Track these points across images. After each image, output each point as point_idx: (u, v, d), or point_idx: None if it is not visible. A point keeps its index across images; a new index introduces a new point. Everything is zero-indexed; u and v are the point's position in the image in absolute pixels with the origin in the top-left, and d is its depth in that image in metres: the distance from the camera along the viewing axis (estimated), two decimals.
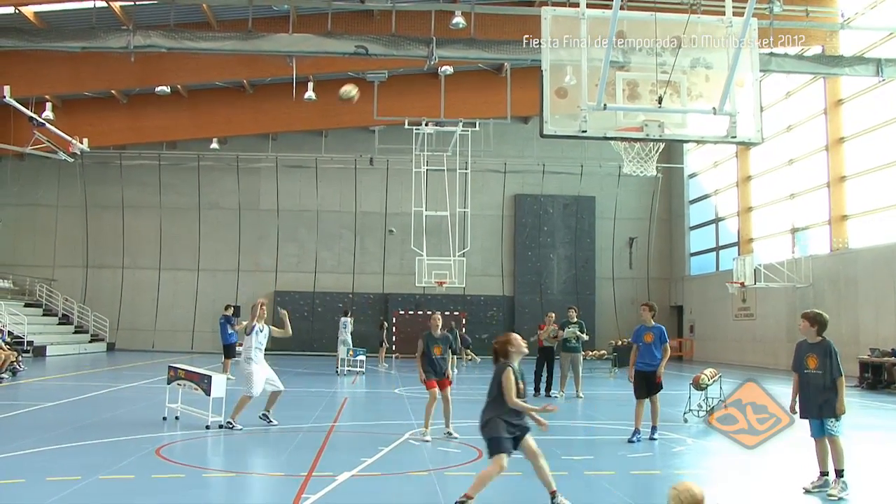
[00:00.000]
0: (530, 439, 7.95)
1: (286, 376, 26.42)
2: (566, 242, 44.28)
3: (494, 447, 7.76)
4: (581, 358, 20.49)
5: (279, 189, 43.78)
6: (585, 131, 7.94)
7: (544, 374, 20.62)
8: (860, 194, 30.33)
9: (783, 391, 23.01)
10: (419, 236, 35.08)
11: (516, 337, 8.02)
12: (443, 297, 41.17)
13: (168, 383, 14.34)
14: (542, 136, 7.99)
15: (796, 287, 31.96)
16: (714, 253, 42.16)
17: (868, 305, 28.54)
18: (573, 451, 11.71)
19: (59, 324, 40.83)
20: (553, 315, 21.35)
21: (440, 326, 12.95)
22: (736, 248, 38.65)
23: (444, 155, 36.21)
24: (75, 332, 40.87)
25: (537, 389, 20.32)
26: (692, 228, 44.64)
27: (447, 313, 40.88)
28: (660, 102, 7.96)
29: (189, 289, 43.33)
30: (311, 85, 34.15)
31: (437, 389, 12.60)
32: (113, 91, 36.24)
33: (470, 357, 35.63)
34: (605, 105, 7.86)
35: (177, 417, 13.90)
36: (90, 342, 40.40)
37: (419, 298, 42.04)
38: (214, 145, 42.39)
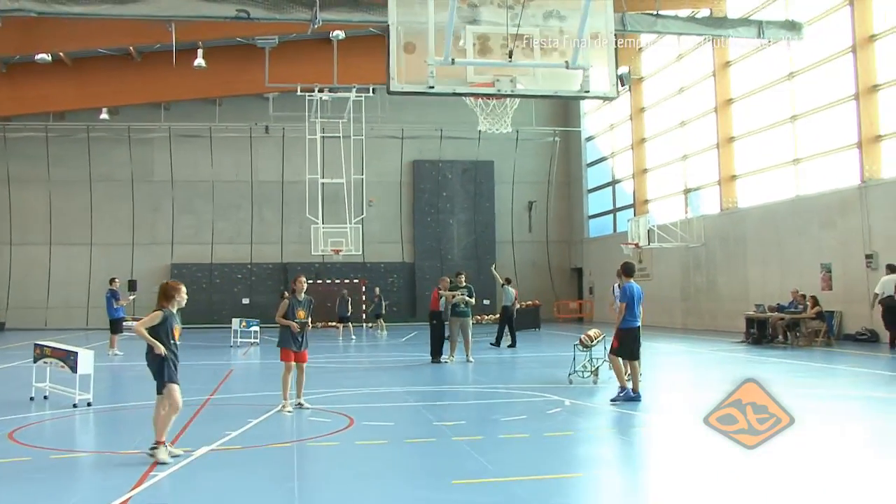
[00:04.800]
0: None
1: (182, 349, 25.96)
2: (465, 207, 44.29)
3: (168, 374, 8.78)
4: (470, 322, 20.28)
5: (173, 160, 42.71)
6: (433, 87, 7.69)
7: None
8: (747, 155, 30.88)
9: (675, 348, 23.37)
10: (315, 204, 34.56)
11: (184, 288, 9.08)
12: (342, 264, 40.86)
13: (34, 362, 13.79)
14: (388, 93, 7.75)
15: (689, 247, 32.46)
16: (612, 215, 42.56)
17: (756, 263, 29.15)
18: (448, 416, 11.58)
19: None
20: (448, 279, 21.05)
21: (305, 290, 12.50)
22: (632, 209, 39.07)
23: (340, 122, 35.72)
24: None
25: (435, 354, 20.05)
26: (590, 191, 45.03)
27: (346, 281, 40.68)
28: (510, 56, 7.75)
29: (82, 264, 41.96)
30: (200, 52, 33.24)
31: (292, 362, 12.17)
32: None
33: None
34: (452, 60, 7.63)
35: (45, 397, 13.35)
36: None
37: (318, 267, 41.55)
38: (104, 115, 40.98)
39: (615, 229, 41.50)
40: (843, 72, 25.64)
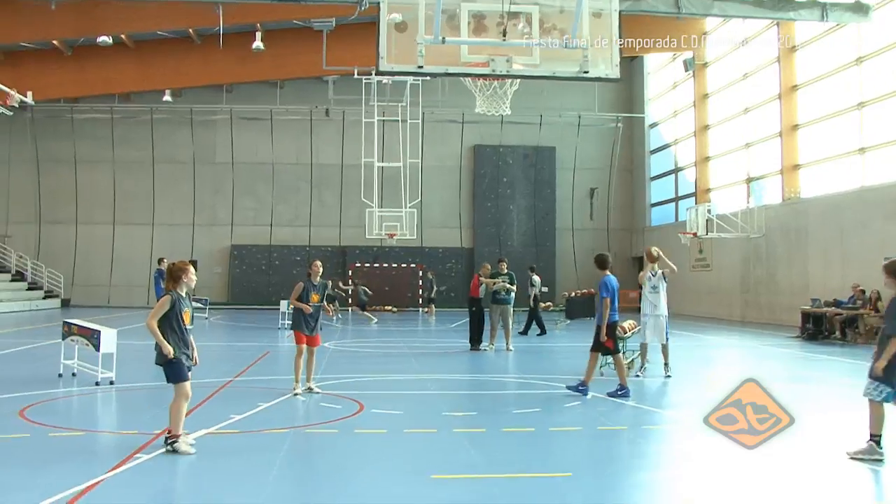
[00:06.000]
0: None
1: (232, 330, 26.23)
2: (526, 193, 43.77)
3: (174, 376, 8.16)
4: (511, 310, 19.91)
5: (234, 142, 43.02)
6: (422, 67, 7.40)
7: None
8: (812, 143, 29.87)
9: (726, 341, 22.78)
10: (370, 188, 34.48)
11: (191, 269, 8.55)
12: (400, 248, 40.74)
13: (62, 339, 13.95)
14: (377, 73, 7.47)
15: (750, 237, 31.57)
16: (674, 203, 41.71)
17: (817, 256, 28.21)
18: (461, 406, 11.33)
19: (13, 280, 40.20)
20: (488, 266, 20.65)
21: (321, 274, 12.42)
22: (694, 198, 38.19)
23: (399, 105, 35.55)
24: (29, 289, 40.24)
25: (474, 341, 19.77)
26: (653, 179, 44.14)
27: (404, 266, 40.80)
28: (504, 35, 7.43)
29: (144, 243, 42.52)
30: (258, 35, 33.33)
31: (304, 345, 12.14)
32: (55, 42, 35.14)
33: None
34: (443, 39, 7.32)
35: (73, 374, 13.48)
36: (43, 299, 39.86)
37: (377, 251, 41.60)
38: (167, 98, 41.43)
39: (677, 218, 40.62)
40: None
